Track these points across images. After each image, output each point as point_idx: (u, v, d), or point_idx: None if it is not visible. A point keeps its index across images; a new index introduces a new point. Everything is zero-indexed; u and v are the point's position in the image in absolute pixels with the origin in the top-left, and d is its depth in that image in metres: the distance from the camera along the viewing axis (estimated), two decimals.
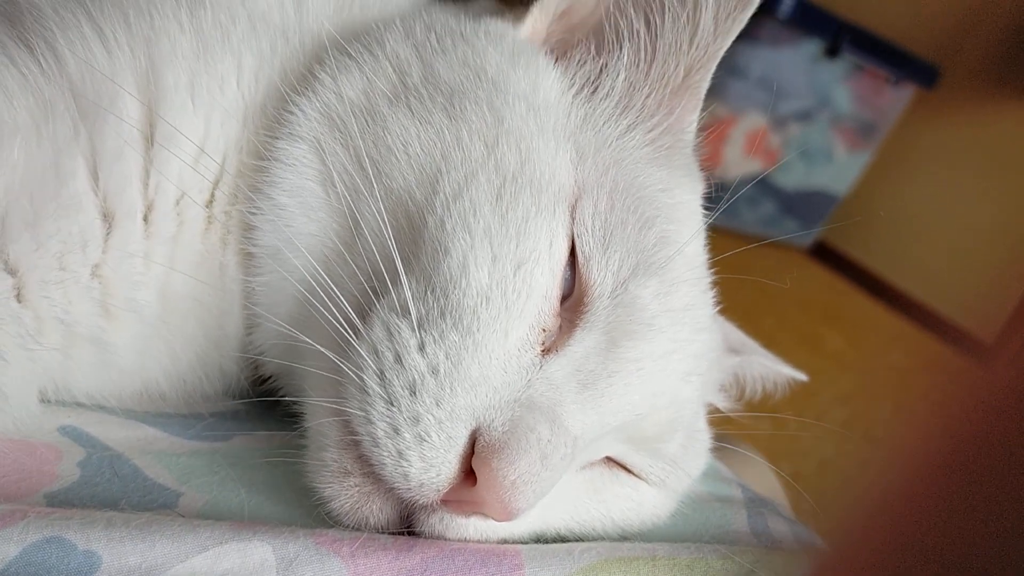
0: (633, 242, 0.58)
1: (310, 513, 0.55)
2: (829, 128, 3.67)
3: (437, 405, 0.51)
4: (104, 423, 0.60)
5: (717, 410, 0.78)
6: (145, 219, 0.57)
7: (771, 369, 0.80)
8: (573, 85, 0.63)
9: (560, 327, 0.57)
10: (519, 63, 0.62)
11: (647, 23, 0.64)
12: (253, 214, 0.59)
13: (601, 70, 0.64)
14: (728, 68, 3.34)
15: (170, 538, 0.48)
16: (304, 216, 0.59)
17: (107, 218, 0.56)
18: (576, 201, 0.58)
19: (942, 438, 0.25)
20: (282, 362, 0.60)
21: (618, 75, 0.64)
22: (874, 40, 3.32)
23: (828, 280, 3.95)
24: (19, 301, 0.54)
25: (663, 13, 0.63)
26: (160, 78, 0.57)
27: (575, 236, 0.57)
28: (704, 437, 0.71)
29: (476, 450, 0.51)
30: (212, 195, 0.60)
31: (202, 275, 0.60)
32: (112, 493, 0.54)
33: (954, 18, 3.51)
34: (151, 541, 0.47)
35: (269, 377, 0.65)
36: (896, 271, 3.80)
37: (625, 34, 0.64)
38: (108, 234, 0.56)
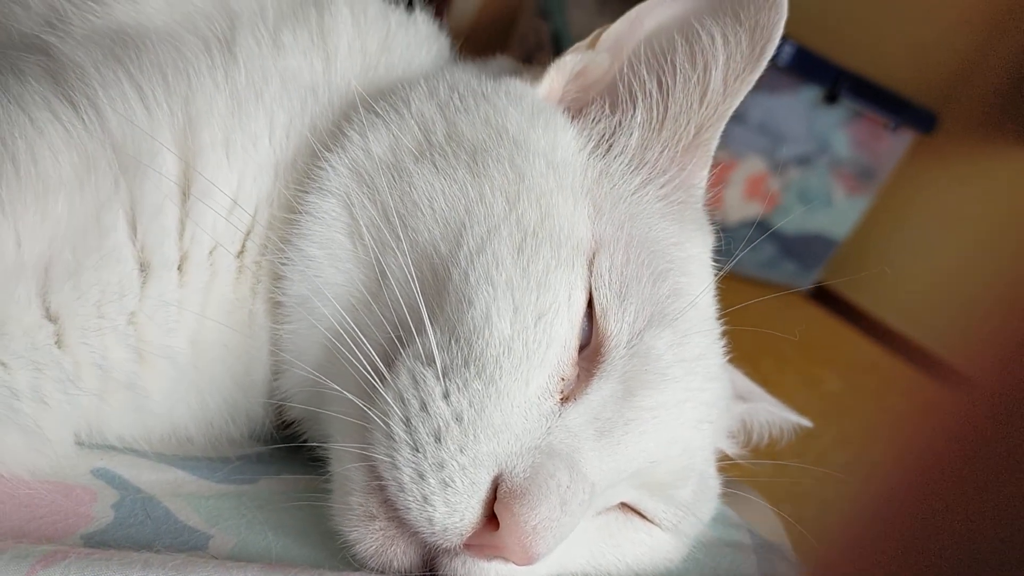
0: (648, 294, 0.60)
1: (336, 556, 0.57)
2: (828, 173, 3.71)
3: (461, 452, 0.53)
4: (135, 466, 0.62)
5: (726, 456, 0.80)
6: (179, 269, 0.60)
7: (777, 416, 0.82)
8: (589, 142, 0.66)
9: (578, 376, 0.59)
10: (538, 122, 0.64)
11: (659, 84, 0.66)
12: (283, 264, 0.61)
13: (615, 128, 0.67)
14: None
15: None
16: (332, 267, 0.61)
17: (143, 268, 0.58)
18: (594, 255, 0.60)
19: (914, 460, 0.26)
20: (308, 408, 0.62)
21: (632, 133, 0.66)
22: (872, 87, 3.37)
23: (828, 323, 3.96)
24: (59, 347, 0.56)
25: (675, 74, 0.65)
26: (197, 135, 0.59)
27: (593, 288, 0.59)
28: (714, 483, 0.72)
29: (499, 496, 0.53)
30: (243, 246, 0.62)
31: (232, 323, 0.62)
32: (145, 535, 0.55)
33: (952, 65, 3.57)
34: None
35: (293, 422, 0.67)
36: (895, 314, 3.82)
37: (638, 94, 0.66)
38: (144, 283, 0.58)
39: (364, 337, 0.58)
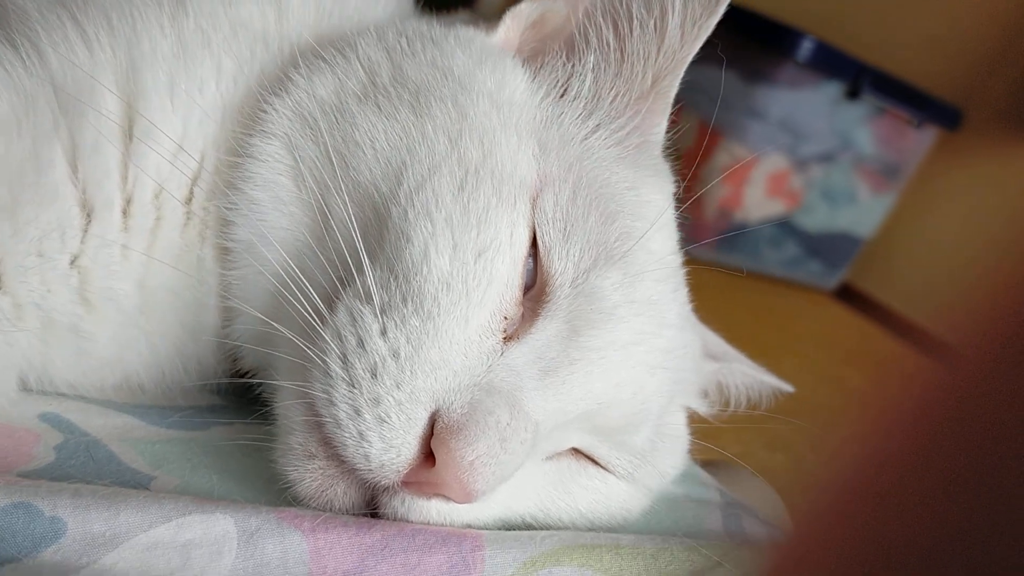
0: (595, 234, 0.59)
1: (279, 497, 0.56)
2: (852, 170, 3.67)
3: (397, 387, 0.53)
4: (85, 412, 0.62)
5: (699, 416, 0.78)
6: (124, 212, 0.60)
7: (754, 378, 0.81)
8: (541, 88, 0.65)
9: (523, 316, 0.58)
10: (486, 64, 0.64)
11: (615, 30, 0.66)
12: (229, 209, 0.61)
13: (570, 74, 0.66)
14: (747, 110, 3.36)
15: (135, 508, 0.49)
16: (276, 210, 0.61)
17: (86, 209, 0.58)
18: (538, 194, 0.59)
19: (895, 430, 0.26)
20: (257, 348, 0.62)
21: (585, 79, 0.66)
22: (895, 82, 3.33)
23: (852, 321, 3.92)
24: None
25: (631, 21, 0.65)
26: (139, 77, 0.60)
27: (536, 226, 0.58)
28: (680, 437, 0.71)
29: (435, 431, 0.52)
30: (191, 191, 0.62)
31: (180, 268, 0.62)
32: (85, 475, 0.55)
33: (976, 60, 3.52)
34: (116, 510, 0.49)
35: (248, 372, 0.66)
36: (921, 312, 3.76)
37: (595, 41, 0.66)
38: (87, 225, 0.58)
39: (308, 280, 0.57)
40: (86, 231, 0.59)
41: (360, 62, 0.64)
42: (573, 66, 0.66)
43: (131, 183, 0.59)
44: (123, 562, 0.47)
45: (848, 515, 0.25)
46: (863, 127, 3.52)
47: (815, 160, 3.58)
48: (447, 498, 0.53)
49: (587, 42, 0.66)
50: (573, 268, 0.58)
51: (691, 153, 3.68)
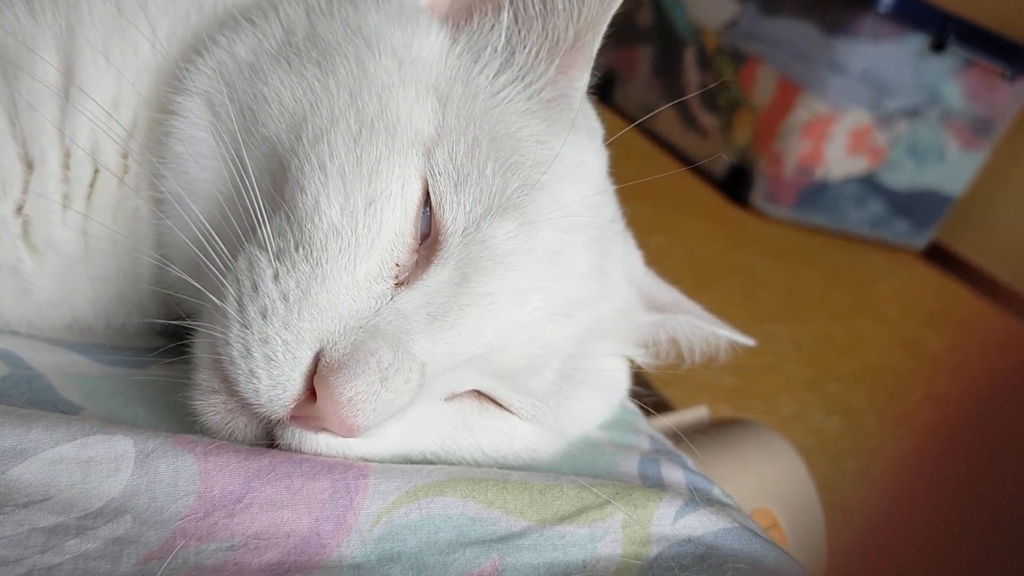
0: (490, 185, 0.62)
1: (191, 430, 0.61)
2: (940, 125, 3.54)
3: (285, 328, 0.57)
4: (35, 349, 0.67)
5: (635, 364, 0.80)
6: (64, 165, 0.65)
7: (705, 330, 0.81)
8: (457, 43, 0.68)
9: (417, 263, 0.61)
10: (398, 22, 0.67)
11: None
12: (159, 163, 0.66)
13: (488, 30, 0.68)
14: (827, 63, 3.27)
15: (44, 427, 0.54)
16: (196, 164, 0.65)
17: (27, 162, 0.64)
18: (433, 147, 0.62)
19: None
20: (190, 301, 0.67)
21: (502, 34, 0.68)
22: (984, 33, 3.20)
23: (939, 282, 3.80)
24: None
25: None
26: (75, 39, 0.65)
27: (428, 178, 0.61)
28: (606, 384, 0.73)
29: (318, 369, 0.56)
30: (127, 146, 0.67)
31: (118, 218, 0.67)
32: (20, 404, 0.61)
33: None
34: (27, 427, 0.54)
35: (187, 316, 0.71)
36: (1014, 273, 3.62)
37: None
38: (28, 176, 0.64)
39: (216, 233, 0.62)
40: (28, 182, 0.64)
41: (280, 22, 0.67)
42: (493, 25, 0.68)
43: (68, 138, 0.64)
44: (28, 474, 0.52)
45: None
46: (951, 80, 3.38)
47: (900, 115, 3.46)
48: (331, 431, 0.57)
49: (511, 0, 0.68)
50: (464, 217, 0.61)
51: (769, 109, 3.63)
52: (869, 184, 3.63)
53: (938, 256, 3.96)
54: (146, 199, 0.68)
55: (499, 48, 0.68)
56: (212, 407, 0.60)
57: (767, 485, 1.29)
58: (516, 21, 0.68)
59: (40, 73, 0.63)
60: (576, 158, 0.68)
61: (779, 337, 2.63)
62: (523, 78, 0.67)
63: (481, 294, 0.60)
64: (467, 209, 0.61)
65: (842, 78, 3.28)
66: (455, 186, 0.61)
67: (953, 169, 3.68)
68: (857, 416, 2.47)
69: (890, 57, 3.26)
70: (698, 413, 1.51)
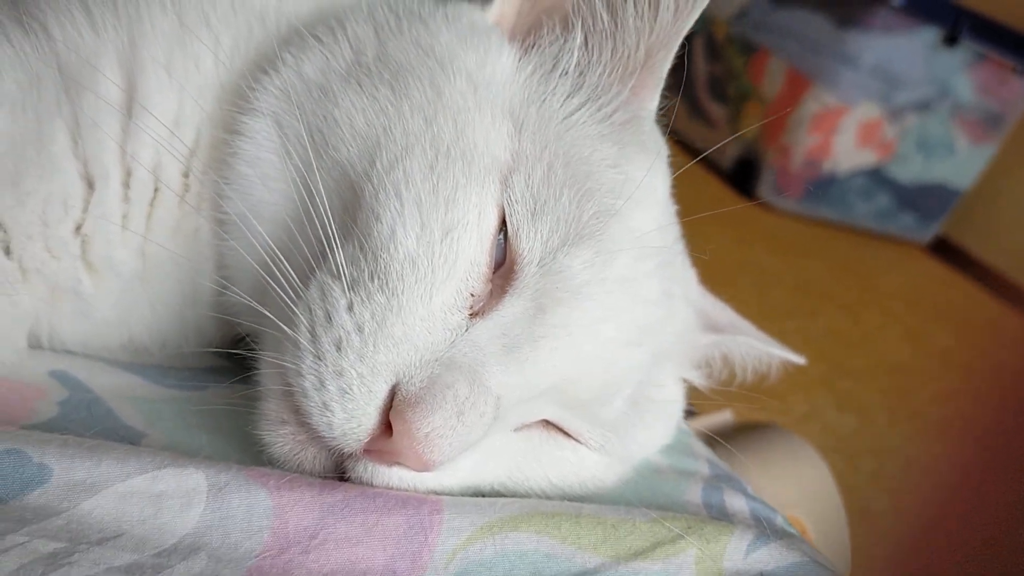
0: (567, 213, 0.60)
1: (257, 459, 0.60)
2: (950, 119, 3.53)
3: (360, 360, 0.55)
4: (93, 370, 0.66)
5: (693, 387, 0.79)
6: (125, 184, 0.63)
7: (759, 350, 0.81)
8: (528, 65, 0.66)
9: (492, 293, 0.60)
10: (470, 42, 0.65)
11: (609, 5, 0.66)
12: (223, 183, 0.64)
13: (560, 51, 0.67)
14: (839, 56, 3.25)
15: (116, 459, 0.53)
16: (263, 186, 0.64)
17: (88, 182, 0.62)
18: (510, 173, 0.61)
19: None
20: (244, 322, 0.65)
21: (573, 55, 0.66)
22: (997, 27, 3.18)
23: (946, 277, 3.80)
24: (6, 253, 0.61)
25: None
26: (138, 54, 0.63)
27: (505, 206, 0.60)
28: (666, 410, 0.72)
29: (394, 404, 0.55)
30: (188, 165, 0.65)
31: (178, 238, 0.66)
32: (83, 431, 0.60)
33: None
34: (98, 459, 0.53)
35: (246, 337, 0.70)
36: (1020, 268, 3.62)
37: (588, 15, 0.66)
38: (89, 197, 0.62)
39: (291, 256, 0.60)
40: (88, 202, 0.62)
41: (348, 40, 0.66)
42: (564, 42, 0.67)
43: (130, 157, 0.63)
44: (100, 508, 0.51)
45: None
46: (962, 74, 3.37)
47: (910, 109, 3.45)
48: (406, 466, 0.56)
49: (580, 17, 0.67)
50: (541, 247, 0.60)
51: (779, 100, 3.61)
52: (877, 177, 3.62)
53: (943, 250, 3.96)
54: (208, 219, 0.66)
55: (570, 69, 0.66)
56: (281, 438, 0.59)
57: (796, 493, 1.29)
58: (586, 41, 0.67)
59: (103, 91, 0.62)
60: (649, 183, 0.67)
61: (791, 333, 2.63)
62: (595, 100, 0.66)
63: (557, 325, 0.59)
64: (544, 238, 0.60)
65: (853, 71, 3.27)
66: (532, 215, 0.60)
67: (962, 163, 3.67)
68: (869, 414, 2.47)
69: (902, 50, 3.25)
70: (722, 417, 1.51)
